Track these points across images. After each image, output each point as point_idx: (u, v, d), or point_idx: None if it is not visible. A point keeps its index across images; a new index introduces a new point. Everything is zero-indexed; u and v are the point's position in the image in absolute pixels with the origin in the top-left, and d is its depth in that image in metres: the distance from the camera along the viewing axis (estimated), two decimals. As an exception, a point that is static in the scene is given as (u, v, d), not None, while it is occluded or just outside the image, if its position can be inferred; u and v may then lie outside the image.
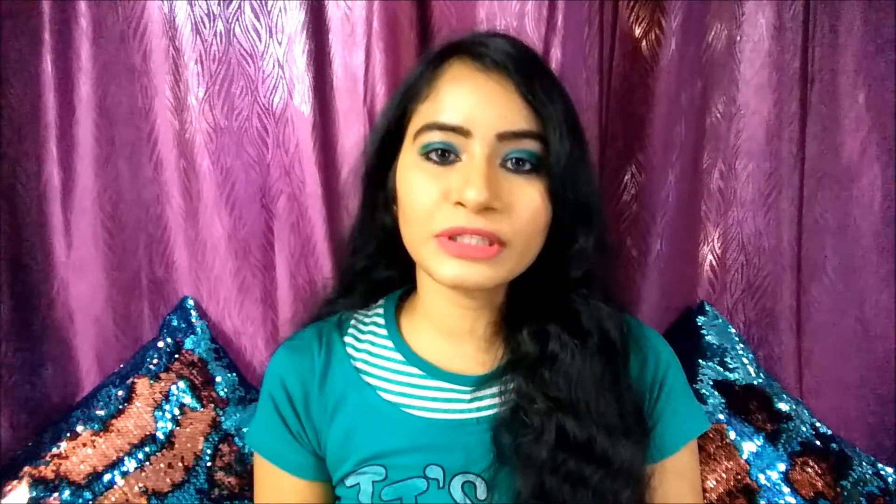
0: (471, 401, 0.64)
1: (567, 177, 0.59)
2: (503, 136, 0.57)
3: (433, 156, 0.58)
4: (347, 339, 0.69)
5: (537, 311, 0.64)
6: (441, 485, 0.62)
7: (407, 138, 0.62)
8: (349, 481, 0.65)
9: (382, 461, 0.63)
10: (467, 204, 0.55)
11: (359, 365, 0.67)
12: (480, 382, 0.64)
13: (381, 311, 0.71)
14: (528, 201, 0.58)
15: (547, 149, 0.58)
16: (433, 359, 0.66)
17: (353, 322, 0.71)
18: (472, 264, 0.57)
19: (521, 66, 0.59)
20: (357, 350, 0.68)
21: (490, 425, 0.62)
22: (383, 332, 0.69)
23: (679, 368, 0.70)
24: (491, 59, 0.59)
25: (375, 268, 0.71)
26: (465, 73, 0.60)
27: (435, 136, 0.58)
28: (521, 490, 0.59)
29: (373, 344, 0.68)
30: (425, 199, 0.58)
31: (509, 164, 0.58)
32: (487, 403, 0.64)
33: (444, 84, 0.60)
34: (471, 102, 0.58)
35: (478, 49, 0.60)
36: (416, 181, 0.59)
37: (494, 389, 0.64)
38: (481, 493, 0.62)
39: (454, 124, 0.57)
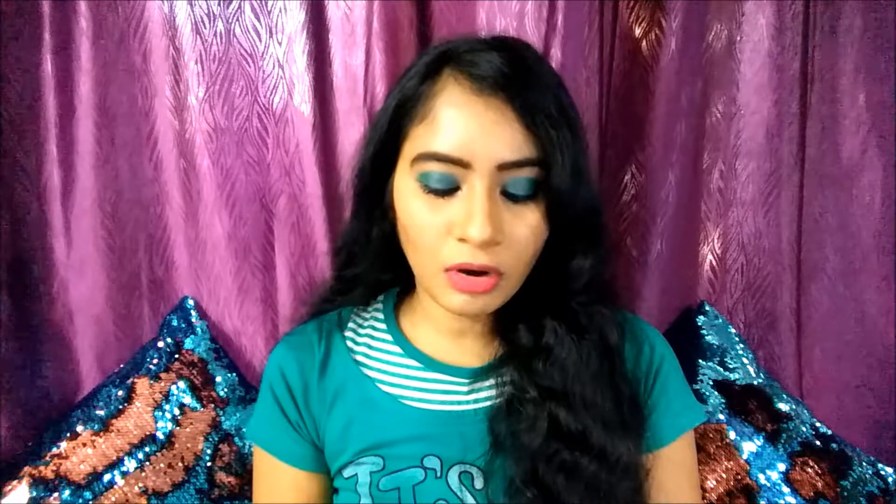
0: (469, 392, 0.65)
1: (567, 197, 0.58)
2: (503, 167, 0.57)
3: (432, 184, 0.58)
4: (347, 334, 0.70)
5: (536, 308, 0.64)
6: (438, 475, 0.63)
7: (403, 159, 0.61)
8: (347, 472, 0.65)
9: (380, 451, 0.64)
10: (471, 242, 0.56)
11: (358, 358, 0.68)
12: (478, 374, 0.65)
13: (380, 306, 0.72)
14: (527, 229, 0.58)
15: (547, 172, 0.58)
16: (431, 352, 0.67)
17: (352, 317, 0.72)
18: (475, 297, 0.58)
19: (519, 88, 0.57)
20: (357, 343, 0.69)
21: (487, 416, 0.63)
22: (382, 325, 0.70)
23: (674, 360, 0.71)
24: (487, 82, 0.57)
25: (372, 271, 0.71)
26: (461, 98, 0.58)
27: (433, 167, 0.57)
28: (513, 475, 0.60)
29: (372, 338, 0.69)
30: (429, 232, 0.58)
31: (509, 192, 0.58)
32: (485, 395, 0.64)
33: (441, 108, 0.58)
34: (469, 132, 0.56)
35: (472, 69, 0.58)
36: (417, 211, 0.58)
37: (492, 381, 0.64)
38: (478, 482, 0.63)
39: (453, 156, 0.56)
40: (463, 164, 0.56)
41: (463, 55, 0.59)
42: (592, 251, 0.63)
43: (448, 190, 0.57)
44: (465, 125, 0.57)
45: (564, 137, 0.58)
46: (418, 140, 0.59)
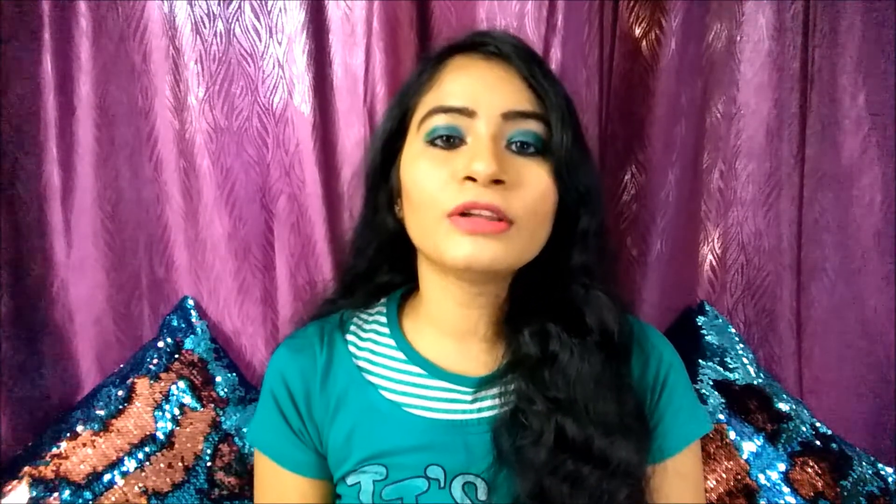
0: (472, 401, 0.63)
1: (570, 160, 0.60)
2: (508, 116, 0.59)
3: (439, 142, 0.59)
4: (349, 338, 0.69)
5: (538, 308, 0.63)
6: (442, 485, 0.62)
7: (411, 130, 0.63)
8: (350, 480, 0.65)
9: (383, 460, 0.63)
10: (476, 175, 0.56)
11: (361, 364, 0.67)
12: (482, 383, 0.64)
13: (383, 309, 0.71)
14: (536, 180, 0.59)
15: (550, 132, 0.59)
16: (435, 359, 0.66)
17: (354, 321, 0.71)
18: (483, 241, 0.56)
19: (523, 55, 0.62)
20: (359, 349, 0.68)
21: (491, 426, 0.62)
22: (385, 330, 0.69)
23: (682, 369, 0.70)
24: (494, 47, 0.62)
25: (377, 271, 0.71)
26: (468, 62, 0.62)
27: (440, 120, 0.59)
28: (519, 491, 0.59)
29: (375, 343, 0.68)
30: (432, 181, 0.58)
31: (514, 147, 0.59)
32: (489, 404, 0.64)
33: (448, 74, 0.62)
34: (475, 85, 0.60)
35: (481, 40, 0.63)
36: (422, 167, 0.59)
37: (496, 390, 0.63)
38: (482, 493, 0.62)
39: (459, 106, 0.59)
40: (468, 113, 0.58)
41: (470, 36, 0.65)
42: (596, 217, 0.64)
43: (453, 143, 0.59)
44: (470, 80, 0.60)
45: (565, 101, 0.61)
46: (425, 104, 0.62)
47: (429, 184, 0.58)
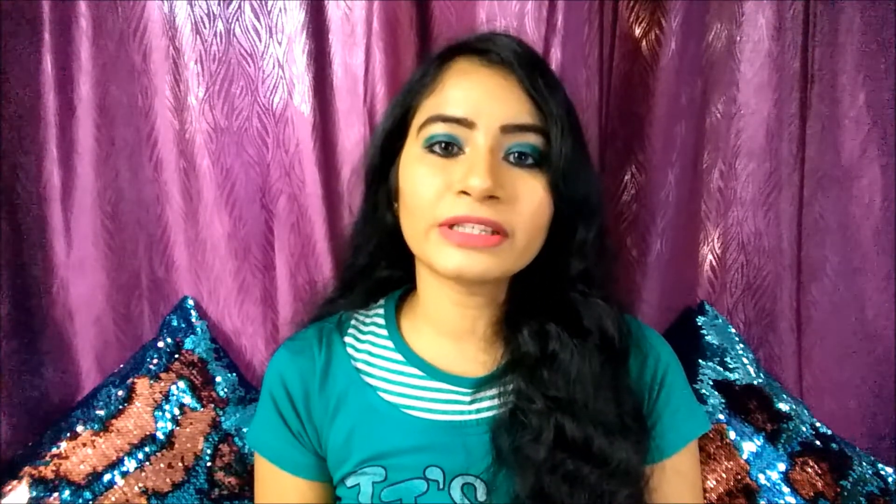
0: (471, 402, 0.63)
1: (568, 172, 0.60)
2: (507, 129, 0.58)
3: (437, 148, 0.59)
4: (348, 339, 0.69)
5: (537, 310, 0.63)
6: (441, 486, 0.62)
7: (411, 133, 0.63)
8: (349, 482, 0.65)
9: (382, 462, 0.63)
10: (471, 191, 0.56)
11: (359, 365, 0.67)
12: (480, 384, 0.64)
13: (381, 311, 0.71)
14: (532, 194, 0.59)
15: (549, 144, 0.59)
16: (433, 359, 0.66)
17: (353, 322, 0.71)
18: (474, 254, 0.57)
19: (526, 63, 0.61)
20: (357, 350, 0.68)
21: (489, 427, 0.62)
22: (384, 332, 0.69)
23: (679, 368, 0.70)
24: (496, 55, 0.61)
25: (376, 267, 0.71)
26: (470, 68, 0.61)
27: (439, 128, 0.59)
28: (518, 490, 0.59)
29: (373, 344, 0.68)
30: (428, 189, 0.58)
31: (512, 158, 0.59)
32: (487, 405, 0.64)
33: (450, 79, 0.61)
34: (475, 95, 0.59)
35: (483, 46, 0.62)
36: (419, 173, 0.59)
37: (494, 391, 0.63)
38: (481, 494, 0.62)
39: (458, 116, 0.58)
40: (467, 124, 0.58)
41: (473, 39, 0.64)
42: (594, 228, 0.64)
43: (451, 151, 0.59)
44: (470, 89, 0.59)
45: (566, 112, 0.61)
46: (426, 109, 0.61)
47: (424, 192, 0.58)
